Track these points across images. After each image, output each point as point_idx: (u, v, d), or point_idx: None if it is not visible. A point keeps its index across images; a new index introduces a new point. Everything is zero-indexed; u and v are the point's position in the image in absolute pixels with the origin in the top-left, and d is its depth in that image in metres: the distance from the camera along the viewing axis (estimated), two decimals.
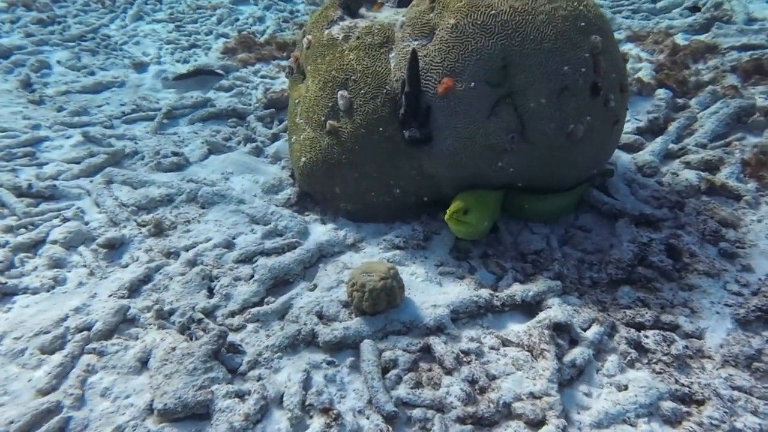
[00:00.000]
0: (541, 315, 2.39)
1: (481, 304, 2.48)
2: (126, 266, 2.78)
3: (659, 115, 4.20)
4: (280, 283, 2.69)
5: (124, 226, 3.02)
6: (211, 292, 2.61)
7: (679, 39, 5.94)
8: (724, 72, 5.05)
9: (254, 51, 5.34)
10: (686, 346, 2.24)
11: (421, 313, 2.45)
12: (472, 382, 2.14)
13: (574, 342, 2.31)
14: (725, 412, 1.93)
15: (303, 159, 3.01)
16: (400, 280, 2.46)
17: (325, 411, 2.01)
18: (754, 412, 1.96)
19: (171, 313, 2.49)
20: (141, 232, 2.99)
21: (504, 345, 2.35)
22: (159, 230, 2.99)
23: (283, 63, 5.20)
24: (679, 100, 4.56)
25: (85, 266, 2.77)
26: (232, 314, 2.51)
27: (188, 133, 4.10)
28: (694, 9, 5.69)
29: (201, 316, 2.45)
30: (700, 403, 2.01)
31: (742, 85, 4.82)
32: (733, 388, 2.06)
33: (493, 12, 2.63)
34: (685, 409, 1.99)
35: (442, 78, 2.64)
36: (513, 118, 2.67)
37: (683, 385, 2.07)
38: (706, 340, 2.31)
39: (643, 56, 5.55)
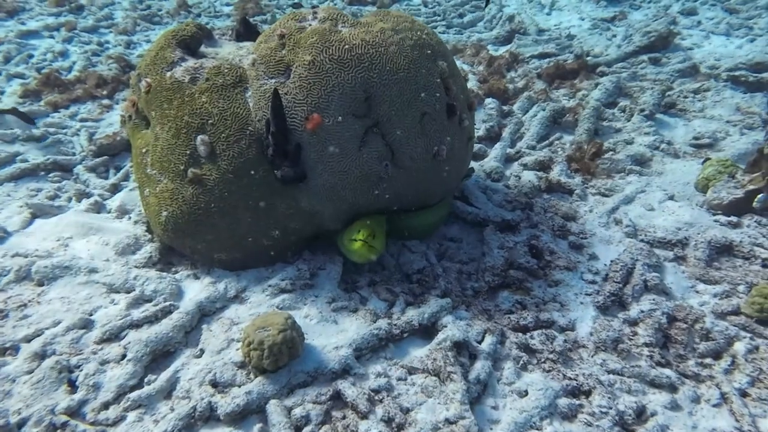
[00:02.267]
0: (440, 336, 2.47)
1: (381, 336, 2.49)
2: None
3: (493, 123, 4.62)
4: (159, 356, 2.41)
5: None
6: (73, 386, 2.23)
7: (491, 50, 6.61)
8: (533, 78, 5.73)
9: (65, 91, 4.67)
10: (565, 340, 2.49)
11: (324, 358, 2.38)
12: (389, 421, 2.14)
13: (473, 356, 2.43)
14: (609, 398, 2.19)
15: (164, 213, 2.73)
16: (299, 329, 2.36)
17: None
18: (629, 392, 2.25)
19: (22, 424, 2.07)
20: None
21: (410, 373, 2.38)
22: None
23: (105, 102, 4.65)
24: (505, 107, 5.07)
25: None
26: (106, 406, 2.19)
27: None
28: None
29: (65, 418, 2.08)
30: (588, 393, 2.25)
31: (549, 89, 5.52)
32: (609, 372, 2.34)
33: (347, 46, 2.65)
34: (577, 402, 2.21)
35: (308, 114, 2.59)
36: (382, 146, 2.73)
37: (571, 378, 2.30)
38: (578, 330, 2.60)
39: (466, 68, 6.05)
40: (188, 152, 2.68)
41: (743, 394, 2.23)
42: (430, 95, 2.80)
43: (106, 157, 3.84)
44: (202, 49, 3.04)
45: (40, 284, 2.70)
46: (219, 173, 2.65)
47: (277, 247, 2.88)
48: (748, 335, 2.48)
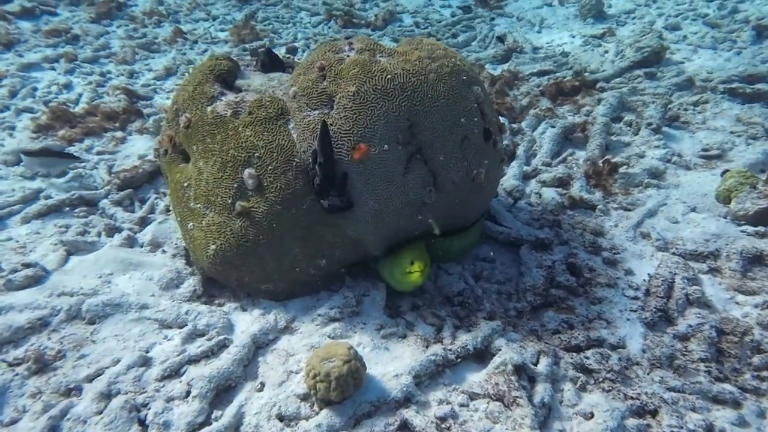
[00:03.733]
0: (497, 360, 2.49)
1: (439, 362, 2.50)
2: (14, 422, 2.21)
3: (507, 142, 4.70)
4: (221, 391, 2.39)
5: None
6: (143, 425, 2.21)
7: (490, 69, 6.74)
8: (537, 96, 5.85)
9: (77, 125, 4.62)
10: (619, 359, 2.53)
11: (386, 387, 2.38)
12: None
13: (531, 379, 2.46)
14: (677, 417, 2.22)
15: (212, 247, 2.72)
16: (361, 358, 2.36)
17: None
18: (694, 409, 2.29)
19: None
20: (16, 374, 2.41)
21: (471, 399, 2.39)
22: (41, 365, 2.44)
23: (118, 134, 4.61)
24: (514, 125, 5.16)
25: None
26: None
27: (27, 235, 3.39)
28: (500, 40, 6.50)
29: None
30: (654, 413, 2.28)
31: (554, 106, 5.65)
32: (670, 390, 2.38)
33: (389, 76, 2.69)
34: (645, 422, 2.24)
35: (355, 144, 2.62)
36: (425, 172, 2.77)
37: (633, 398, 2.33)
38: (630, 347, 2.64)
39: None
40: (235, 185, 2.68)
41: None
42: (469, 120, 2.85)
43: (130, 190, 3.81)
44: (238, 82, 3.06)
45: (92, 323, 2.66)
46: (267, 205, 2.66)
47: (323, 276, 2.89)
48: None
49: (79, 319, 2.69)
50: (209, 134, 2.77)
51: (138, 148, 4.43)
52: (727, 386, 2.36)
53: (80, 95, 5.39)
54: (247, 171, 2.65)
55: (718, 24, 7.31)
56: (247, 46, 6.85)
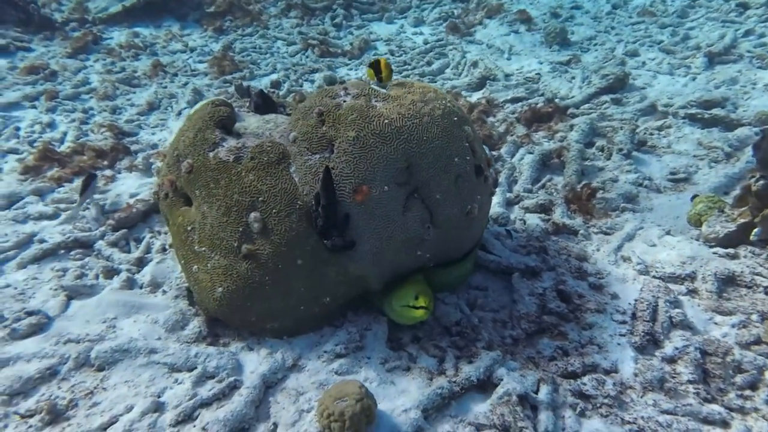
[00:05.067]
0: (500, 390, 2.61)
1: (445, 395, 2.61)
2: None
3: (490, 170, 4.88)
4: None
5: (4, 426, 2.40)
6: None
7: (465, 96, 6.97)
8: (513, 123, 6.09)
9: (66, 165, 4.62)
10: (614, 383, 2.69)
11: (396, 422, 2.48)
12: None
13: (533, 408, 2.59)
14: None
15: (219, 289, 2.79)
16: (372, 396, 2.46)
17: None
18: (687, 431, 2.45)
19: None
20: (30, 426, 2.41)
21: (478, 430, 2.50)
22: (55, 415, 2.45)
23: (108, 173, 4.62)
24: (494, 153, 5.37)
25: None
26: None
27: (25, 281, 3.39)
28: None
29: None
30: None
31: (530, 132, 5.89)
32: (663, 413, 2.54)
33: (386, 121, 2.83)
34: None
35: (356, 187, 2.74)
36: (423, 209, 2.90)
37: (630, 422, 2.47)
38: (622, 372, 2.80)
39: None
40: (240, 229, 2.76)
41: None
42: (462, 159, 3.01)
43: (125, 230, 3.83)
44: (236, 126, 3.15)
45: (101, 369, 2.69)
46: (272, 247, 2.74)
47: (327, 313, 2.98)
48: None
49: (87, 366, 2.71)
50: (212, 179, 2.86)
51: (128, 187, 4.45)
52: (716, 407, 2.53)
53: (65, 134, 5.38)
54: (252, 215, 2.74)
55: (672, 50, 7.74)
56: (228, 77, 6.94)
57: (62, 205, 4.10)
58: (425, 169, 2.87)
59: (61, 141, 5.23)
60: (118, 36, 8.44)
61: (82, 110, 5.88)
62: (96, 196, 4.26)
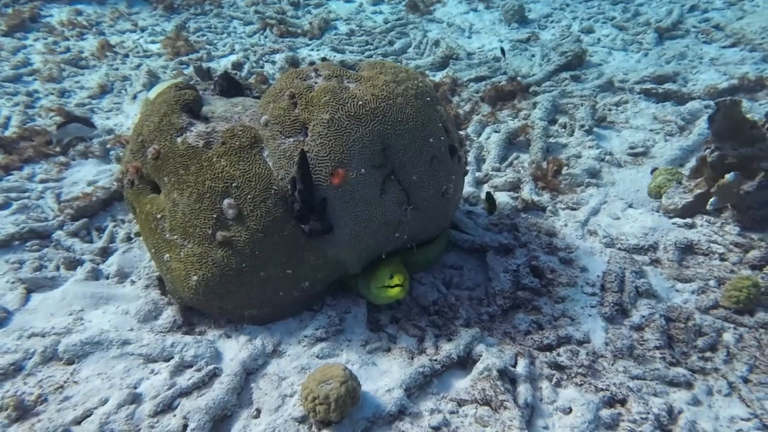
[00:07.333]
0: (480, 366, 2.66)
1: (427, 373, 2.64)
2: None
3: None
4: (218, 421, 2.42)
5: None
6: None
7: (430, 77, 6.95)
8: (478, 102, 6.13)
9: (12, 151, 4.36)
10: (587, 353, 2.79)
11: (379, 402, 2.50)
12: None
13: (512, 381, 2.66)
14: (644, 403, 2.50)
15: (194, 277, 2.72)
16: (356, 377, 2.47)
17: None
18: (656, 394, 2.57)
19: None
20: None
21: (460, 405, 2.56)
22: (22, 411, 2.36)
23: (62, 159, 4.40)
24: (461, 132, 5.40)
25: None
26: None
27: None
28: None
29: None
30: (623, 401, 2.54)
31: (494, 111, 5.95)
32: (633, 378, 2.66)
33: (360, 102, 2.80)
34: (616, 411, 2.50)
35: (333, 170, 2.71)
36: (400, 191, 2.90)
37: (603, 390, 2.58)
38: (593, 342, 2.91)
39: None
40: (214, 216, 2.69)
41: (745, 380, 2.63)
42: (436, 139, 3.01)
43: (85, 219, 3.67)
44: (203, 110, 3.05)
45: (70, 363, 2.60)
46: (248, 234, 2.69)
47: (306, 298, 2.96)
48: (731, 326, 2.91)
49: (56, 360, 2.61)
50: (182, 165, 2.76)
51: (85, 174, 4.26)
52: (680, 370, 2.67)
53: (8, 118, 5.08)
54: (226, 201, 2.67)
55: (624, 27, 7.92)
56: (184, 58, 6.68)
57: (13, 194, 3.89)
58: (401, 151, 2.86)
59: (6, 126, 4.93)
60: (58, 13, 7.98)
61: (26, 93, 5.56)
62: (51, 185, 4.06)
